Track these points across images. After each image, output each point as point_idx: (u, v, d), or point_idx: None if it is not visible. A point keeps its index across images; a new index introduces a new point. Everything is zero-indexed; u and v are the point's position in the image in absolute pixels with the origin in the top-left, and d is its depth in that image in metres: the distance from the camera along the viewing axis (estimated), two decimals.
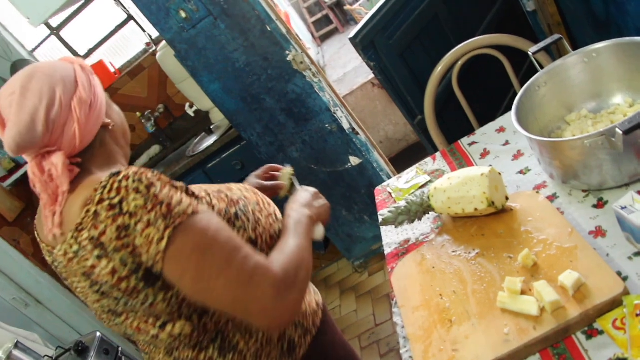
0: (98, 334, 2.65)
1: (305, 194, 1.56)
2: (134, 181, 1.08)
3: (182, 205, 1.08)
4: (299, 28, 5.06)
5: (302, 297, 1.17)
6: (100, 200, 1.08)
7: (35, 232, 1.33)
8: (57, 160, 1.15)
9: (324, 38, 5.74)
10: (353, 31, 2.28)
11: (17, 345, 2.39)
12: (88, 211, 1.09)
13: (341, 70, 4.35)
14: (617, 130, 1.06)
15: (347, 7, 5.22)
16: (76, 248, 1.12)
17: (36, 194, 1.19)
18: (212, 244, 1.08)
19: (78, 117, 1.17)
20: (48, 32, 4.13)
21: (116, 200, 1.07)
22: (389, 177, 2.89)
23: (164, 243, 1.06)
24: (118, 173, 1.09)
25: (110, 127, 1.26)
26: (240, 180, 3.43)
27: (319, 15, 5.68)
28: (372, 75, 3.68)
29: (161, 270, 1.09)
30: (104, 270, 1.11)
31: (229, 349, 1.28)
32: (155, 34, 4.01)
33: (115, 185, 1.08)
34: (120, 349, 2.67)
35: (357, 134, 2.91)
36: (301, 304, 1.19)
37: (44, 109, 1.14)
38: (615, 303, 0.99)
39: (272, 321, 1.11)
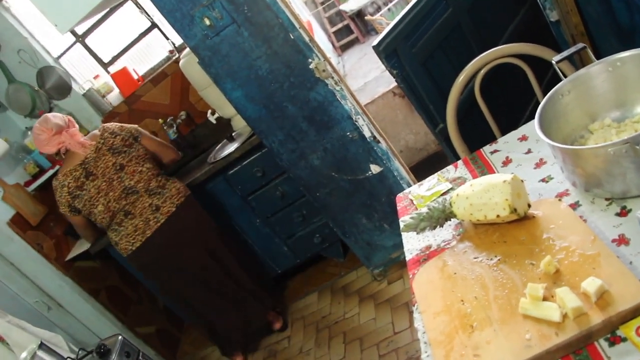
0: (120, 337, 2.68)
1: None
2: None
3: None
4: (320, 38, 5.08)
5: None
6: (107, 125, 3.12)
7: (65, 183, 3.00)
8: (73, 130, 3.03)
9: (344, 48, 5.76)
10: (376, 39, 2.30)
11: (41, 347, 2.43)
12: (106, 128, 3.09)
13: (362, 79, 4.36)
14: None
15: (368, 17, 5.24)
16: (102, 141, 3.02)
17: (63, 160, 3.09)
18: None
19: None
20: (73, 39, 4.20)
21: (111, 124, 3.15)
22: (410, 186, 2.89)
23: (138, 130, 3.18)
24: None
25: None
26: (261, 187, 3.47)
27: (340, 25, 5.70)
28: (393, 85, 3.69)
29: (140, 137, 3.15)
30: (117, 141, 3.04)
31: (167, 177, 3.20)
32: (178, 41, 4.07)
33: (107, 124, 3.16)
34: (141, 353, 2.70)
35: (378, 142, 2.92)
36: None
37: (62, 119, 3.02)
38: (638, 310, 0.98)
39: (176, 158, 3.44)
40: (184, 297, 3.44)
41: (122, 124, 3.16)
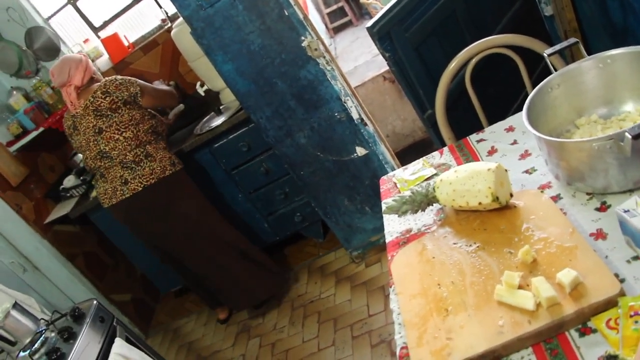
0: (94, 302, 2.67)
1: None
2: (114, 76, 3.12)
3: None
4: (314, 17, 5.05)
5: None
6: (106, 81, 3.06)
7: (65, 124, 3.23)
8: (69, 89, 3.08)
9: (337, 30, 5.73)
10: (371, 21, 2.29)
11: (15, 306, 2.41)
12: (102, 85, 3.03)
13: (352, 63, 4.34)
14: (627, 134, 1.07)
15: (362, 0, 5.21)
16: (92, 100, 3.01)
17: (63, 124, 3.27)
18: (148, 85, 3.26)
19: (82, 73, 3.12)
20: (65, 1, 4.13)
21: (113, 79, 3.07)
22: (394, 170, 2.90)
23: (138, 90, 3.08)
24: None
25: (94, 76, 3.18)
26: (246, 162, 3.45)
27: (334, 7, 5.67)
28: (384, 69, 3.68)
29: (137, 93, 3.08)
30: (105, 102, 3.00)
31: (149, 156, 3.11)
32: (171, 10, 4.02)
33: (109, 77, 3.09)
34: (115, 318, 2.69)
35: (366, 124, 2.92)
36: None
37: (66, 73, 3.09)
38: (610, 303, 1.00)
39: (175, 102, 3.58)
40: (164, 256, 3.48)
41: (125, 80, 3.08)
